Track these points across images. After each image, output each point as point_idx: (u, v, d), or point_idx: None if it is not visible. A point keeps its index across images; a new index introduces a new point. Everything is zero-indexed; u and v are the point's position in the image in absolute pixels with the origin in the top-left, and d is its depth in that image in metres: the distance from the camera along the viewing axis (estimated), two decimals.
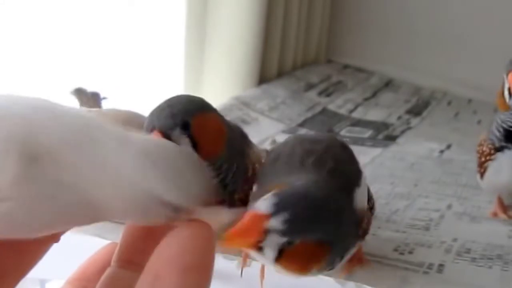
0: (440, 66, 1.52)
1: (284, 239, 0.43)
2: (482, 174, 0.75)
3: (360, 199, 0.51)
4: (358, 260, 0.58)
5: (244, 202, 0.56)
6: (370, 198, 0.58)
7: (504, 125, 0.71)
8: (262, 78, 1.31)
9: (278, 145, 0.59)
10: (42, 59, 1.02)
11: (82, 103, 0.82)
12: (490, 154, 0.72)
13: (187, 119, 0.52)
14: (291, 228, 0.43)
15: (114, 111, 0.74)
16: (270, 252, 0.43)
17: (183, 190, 0.25)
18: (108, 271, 0.24)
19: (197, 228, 0.20)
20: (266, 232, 0.42)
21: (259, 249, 0.43)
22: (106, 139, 0.25)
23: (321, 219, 0.45)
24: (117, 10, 1.14)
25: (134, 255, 0.24)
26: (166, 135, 0.51)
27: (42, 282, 0.81)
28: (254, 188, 0.55)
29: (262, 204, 0.43)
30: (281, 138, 0.99)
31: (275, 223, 0.42)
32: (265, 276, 0.56)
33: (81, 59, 1.08)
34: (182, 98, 0.54)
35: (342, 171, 0.51)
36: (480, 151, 0.74)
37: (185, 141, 0.52)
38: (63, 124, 0.24)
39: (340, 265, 0.50)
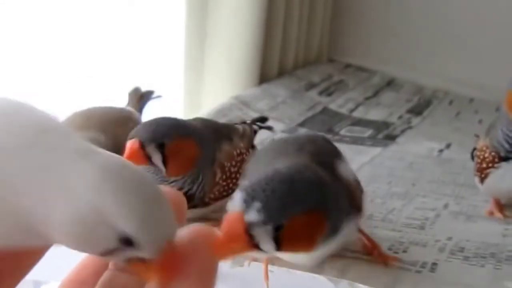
0: (442, 65, 1.51)
1: (269, 227, 0.42)
2: (482, 179, 0.74)
3: (344, 170, 0.52)
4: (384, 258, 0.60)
5: (219, 198, 0.66)
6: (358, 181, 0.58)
7: None
8: (263, 78, 1.31)
9: (265, 144, 0.61)
10: (42, 58, 1.02)
11: (129, 102, 0.87)
12: (493, 162, 0.72)
13: (165, 141, 0.60)
14: (269, 213, 0.42)
15: (104, 109, 0.75)
16: (267, 244, 0.43)
17: (142, 220, 0.22)
18: (106, 274, 0.24)
19: (201, 228, 0.21)
20: (250, 228, 0.41)
21: (256, 247, 0.42)
22: (64, 147, 0.22)
23: (298, 191, 0.44)
24: (118, 10, 1.14)
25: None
26: (142, 145, 0.59)
27: (37, 284, 0.81)
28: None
29: (233, 204, 0.42)
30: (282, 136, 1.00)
31: (252, 216, 0.41)
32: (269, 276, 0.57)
33: (81, 59, 1.08)
34: (170, 120, 0.63)
35: (321, 150, 0.53)
36: (482, 157, 0.74)
37: (158, 158, 0.60)
38: (13, 124, 0.22)
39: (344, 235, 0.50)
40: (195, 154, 0.63)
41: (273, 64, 1.34)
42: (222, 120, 1.02)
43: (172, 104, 1.20)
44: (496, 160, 0.71)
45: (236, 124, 0.76)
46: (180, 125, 0.64)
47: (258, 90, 1.25)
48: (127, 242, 0.23)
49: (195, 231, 0.21)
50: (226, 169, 0.66)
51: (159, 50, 1.21)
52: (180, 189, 0.62)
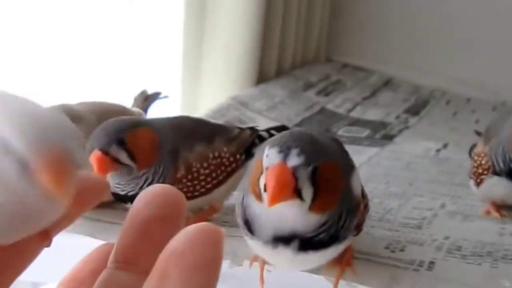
0: (439, 65, 1.52)
1: (310, 168, 0.46)
2: (478, 184, 0.75)
3: (355, 184, 0.53)
4: (347, 263, 0.58)
5: (191, 196, 0.65)
6: (364, 196, 0.58)
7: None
8: (261, 78, 1.31)
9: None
10: (40, 57, 1.02)
11: (134, 103, 0.90)
12: (488, 170, 0.73)
13: (121, 136, 0.59)
14: (308, 156, 0.46)
15: (90, 104, 0.76)
16: (307, 189, 0.46)
17: (37, 139, 0.22)
18: (104, 272, 0.24)
19: (205, 226, 0.20)
20: (295, 172, 0.45)
21: (298, 193, 0.46)
22: None
23: (321, 143, 0.50)
24: (116, 9, 1.15)
25: (132, 256, 0.23)
26: (105, 152, 0.58)
27: (36, 286, 0.81)
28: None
29: (270, 159, 0.46)
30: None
31: (295, 160, 0.46)
32: (264, 281, 0.57)
33: (80, 59, 1.09)
34: (113, 120, 0.62)
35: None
36: (479, 162, 0.74)
37: (124, 155, 0.60)
38: None
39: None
40: (154, 141, 0.63)
41: (271, 64, 1.34)
42: (220, 120, 1.02)
43: (170, 104, 1.20)
44: (491, 170, 0.72)
45: (237, 127, 0.74)
46: (125, 119, 0.63)
47: (256, 90, 1.26)
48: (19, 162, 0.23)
49: (193, 228, 0.21)
50: (194, 169, 0.64)
51: (158, 50, 1.21)
52: (151, 181, 0.62)
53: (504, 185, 0.72)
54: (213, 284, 0.20)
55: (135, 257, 0.23)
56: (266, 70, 1.33)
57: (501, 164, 0.71)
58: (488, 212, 0.75)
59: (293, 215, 0.48)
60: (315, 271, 0.58)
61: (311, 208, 0.48)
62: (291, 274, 0.59)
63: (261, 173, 0.48)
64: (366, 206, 0.58)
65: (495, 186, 0.73)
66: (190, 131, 0.67)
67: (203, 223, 0.20)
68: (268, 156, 0.46)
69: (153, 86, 1.18)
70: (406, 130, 1.19)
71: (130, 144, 0.60)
